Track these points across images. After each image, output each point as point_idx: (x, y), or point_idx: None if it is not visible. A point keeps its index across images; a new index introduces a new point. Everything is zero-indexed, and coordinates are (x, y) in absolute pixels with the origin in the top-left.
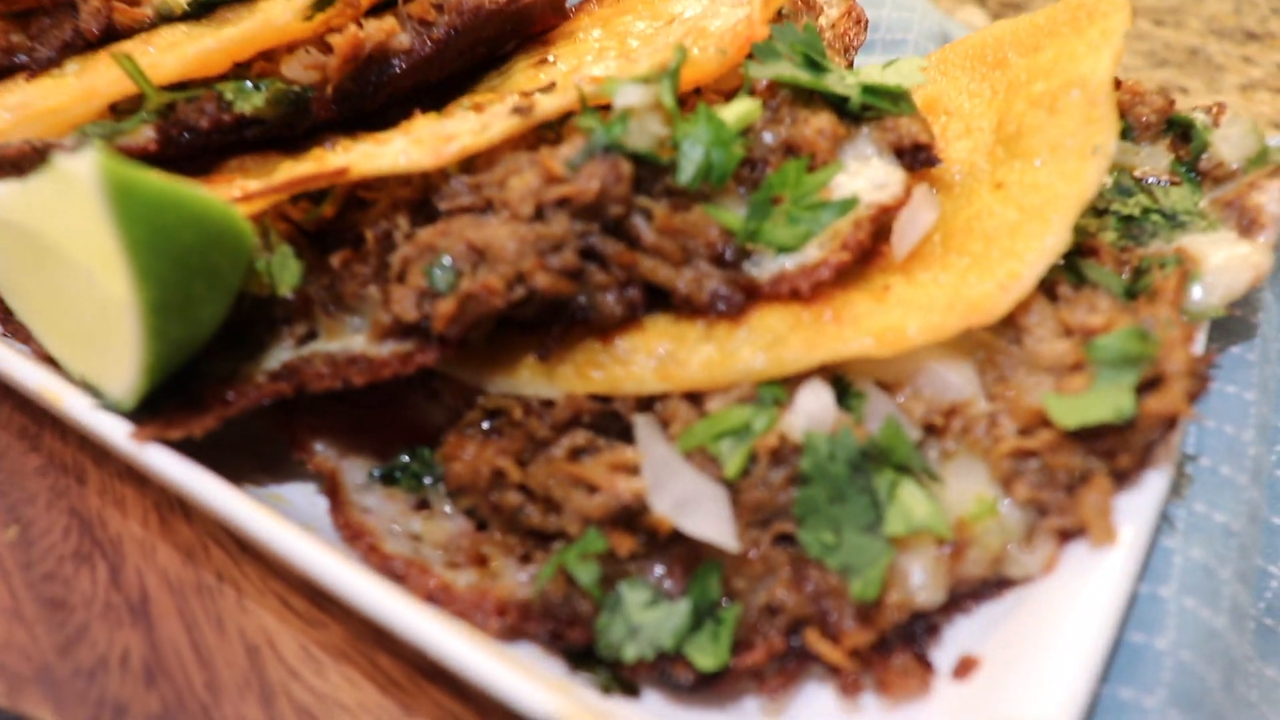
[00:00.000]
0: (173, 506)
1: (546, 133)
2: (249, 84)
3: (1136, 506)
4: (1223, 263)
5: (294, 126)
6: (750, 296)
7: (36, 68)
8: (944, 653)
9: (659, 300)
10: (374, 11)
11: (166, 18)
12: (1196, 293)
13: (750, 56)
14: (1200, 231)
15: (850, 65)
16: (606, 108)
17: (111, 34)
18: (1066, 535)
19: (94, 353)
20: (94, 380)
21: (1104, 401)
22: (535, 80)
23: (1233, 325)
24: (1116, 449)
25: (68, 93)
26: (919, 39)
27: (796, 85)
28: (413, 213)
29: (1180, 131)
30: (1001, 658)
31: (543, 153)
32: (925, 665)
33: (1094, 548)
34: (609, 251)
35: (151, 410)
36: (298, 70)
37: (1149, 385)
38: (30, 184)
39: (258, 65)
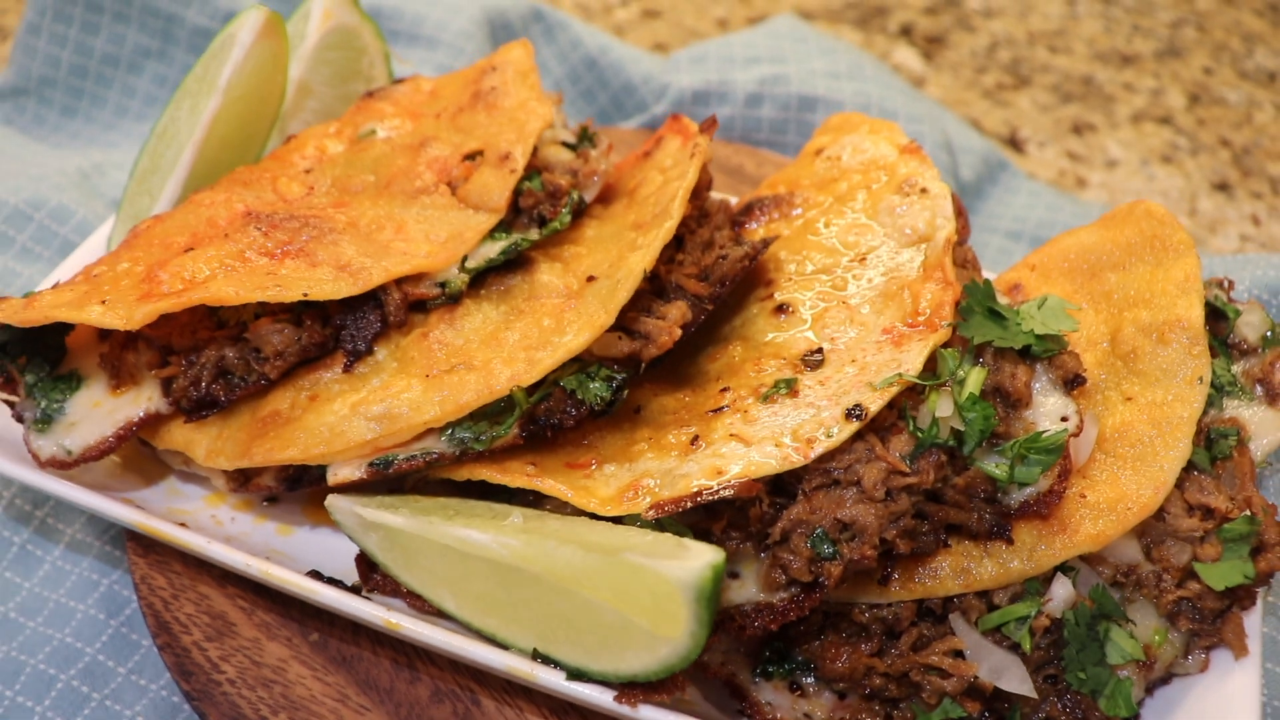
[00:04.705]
0: (565, 710)
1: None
2: (586, 375)
3: (1252, 625)
4: (1263, 430)
5: None
6: (1008, 519)
7: (351, 359)
8: None
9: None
10: None
11: (452, 296)
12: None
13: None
14: (1239, 399)
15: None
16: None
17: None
18: (1211, 646)
19: (580, 648)
20: (567, 660)
21: (1236, 569)
22: (778, 325)
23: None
24: (1242, 594)
25: (437, 406)
26: (933, 150)
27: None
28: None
29: (1209, 309)
30: None
31: (878, 448)
32: None
33: (1236, 659)
34: (930, 511)
35: None
36: (615, 352)
37: (1255, 550)
38: (556, 548)
39: None
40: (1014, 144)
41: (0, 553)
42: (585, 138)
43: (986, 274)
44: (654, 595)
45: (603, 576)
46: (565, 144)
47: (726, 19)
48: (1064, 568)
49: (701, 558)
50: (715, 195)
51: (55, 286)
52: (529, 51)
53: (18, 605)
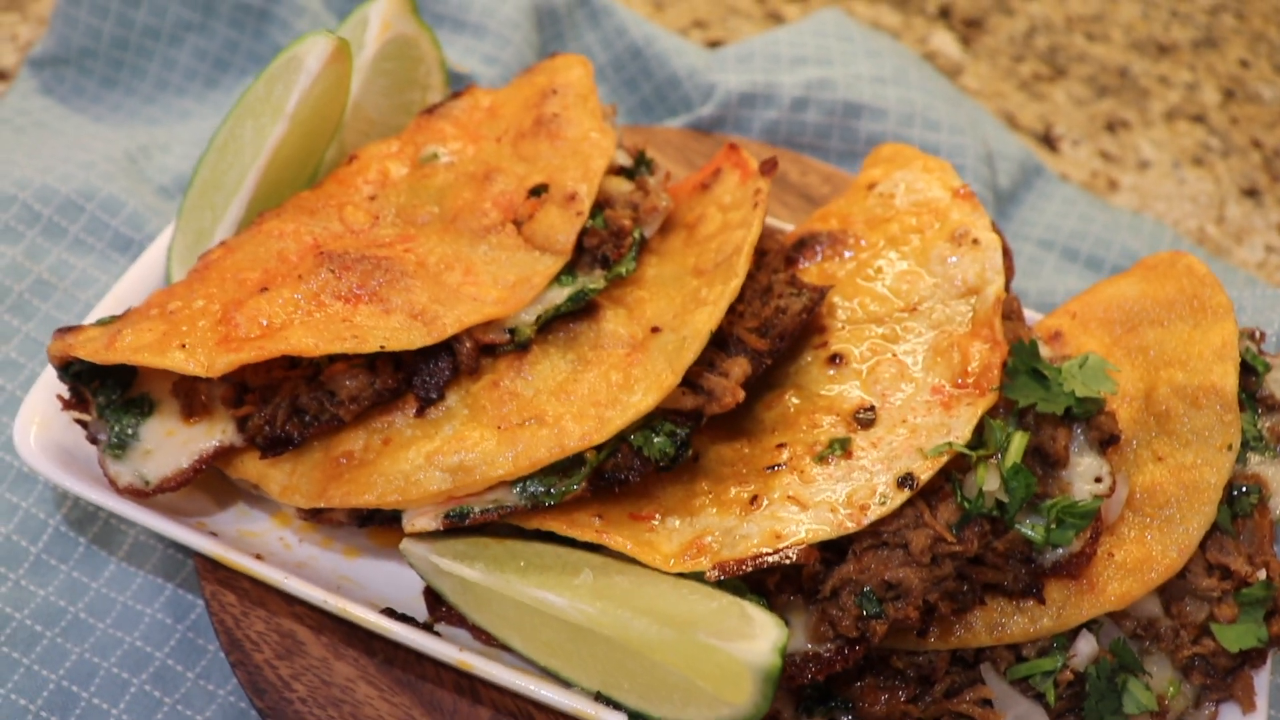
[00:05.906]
0: None
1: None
2: (651, 430)
3: (1261, 682)
4: None
5: None
6: (1041, 579)
7: (423, 405)
8: None
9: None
10: None
11: (520, 344)
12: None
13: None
14: (1262, 455)
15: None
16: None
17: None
18: (1221, 700)
19: (643, 697)
20: (628, 704)
21: (1251, 632)
22: (829, 378)
23: None
24: (1254, 655)
25: (511, 462)
26: (974, 163)
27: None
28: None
29: (1240, 363)
30: None
31: (925, 515)
32: None
33: (1244, 715)
34: (971, 574)
35: None
36: (678, 406)
37: (1270, 613)
38: (630, 619)
39: None
40: (1048, 141)
41: (67, 552)
42: (642, 163)
43: (1018, 287)
44: (722, 670)
45: (672, 648)
46: (623, 168)
47: None
48: (1088, 622)
49: (768, 637)
50: (767, 221)
51: (128, 316)
52: (588, 70)
53: (87, 605)
